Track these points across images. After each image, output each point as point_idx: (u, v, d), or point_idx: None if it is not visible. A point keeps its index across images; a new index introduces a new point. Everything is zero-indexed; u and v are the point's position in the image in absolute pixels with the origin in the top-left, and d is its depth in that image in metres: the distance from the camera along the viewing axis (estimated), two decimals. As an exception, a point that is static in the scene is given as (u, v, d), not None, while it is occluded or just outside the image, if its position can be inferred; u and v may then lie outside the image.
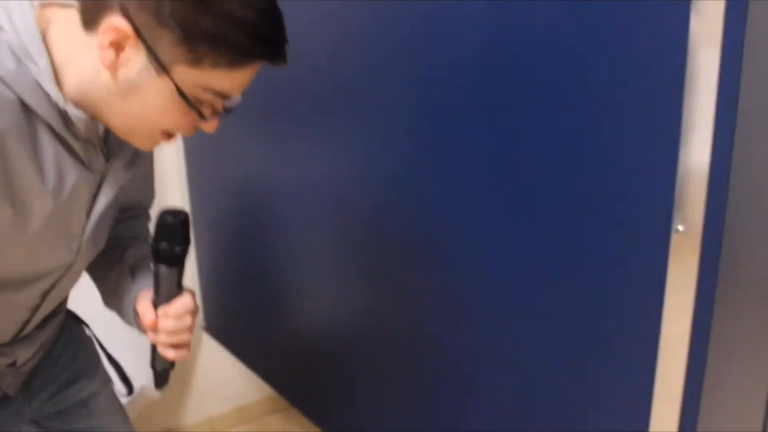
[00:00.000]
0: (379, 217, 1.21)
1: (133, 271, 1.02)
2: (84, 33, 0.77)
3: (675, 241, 0.79)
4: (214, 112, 0.82)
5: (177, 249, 0.92)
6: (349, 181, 1.25)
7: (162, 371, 1.02)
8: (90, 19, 0.76)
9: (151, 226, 0.97)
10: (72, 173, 0.82)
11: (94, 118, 0.82)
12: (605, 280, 0.87)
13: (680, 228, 0.78)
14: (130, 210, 1.09)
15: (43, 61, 0.76)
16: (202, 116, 0.80)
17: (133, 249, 1.05)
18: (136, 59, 0.76)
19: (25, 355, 0.99)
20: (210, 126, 0.82)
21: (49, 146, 0.79)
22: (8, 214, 0.77)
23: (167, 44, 0.74)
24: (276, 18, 0.79)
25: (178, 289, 0.95)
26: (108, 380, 1.15)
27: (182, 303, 0.94)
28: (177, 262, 0.93)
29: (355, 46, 1.16)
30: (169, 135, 0.84)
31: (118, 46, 0.75)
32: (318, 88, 1.26)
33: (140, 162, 0.95)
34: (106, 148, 0.88)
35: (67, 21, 0.78)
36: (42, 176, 0.79)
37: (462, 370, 1.13)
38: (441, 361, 1.17)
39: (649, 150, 0.79)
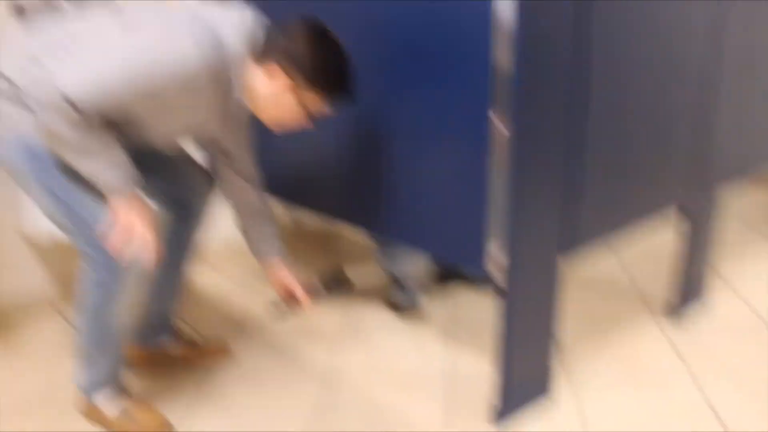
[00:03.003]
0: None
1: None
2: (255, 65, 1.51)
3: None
4: (312, 116, 1.57)
5: None
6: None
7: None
8: (259, 60, 1.50)
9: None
10: (204, 107, 1.51)
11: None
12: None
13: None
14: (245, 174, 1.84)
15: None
16: (309, 118, 1.55)
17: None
18: (283, 86, 1.49)
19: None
20: (307, 124, 1.59)
21: (210, 93, 1.48)
22: (187, 105, 1.48)
23: (301, 83, 1.49)
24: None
25: None
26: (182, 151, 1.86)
27: None
28: None
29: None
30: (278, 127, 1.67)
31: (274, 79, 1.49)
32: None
33: (235, 127, 1.75)
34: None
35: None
36: (197, 102, 1.49)
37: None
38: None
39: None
